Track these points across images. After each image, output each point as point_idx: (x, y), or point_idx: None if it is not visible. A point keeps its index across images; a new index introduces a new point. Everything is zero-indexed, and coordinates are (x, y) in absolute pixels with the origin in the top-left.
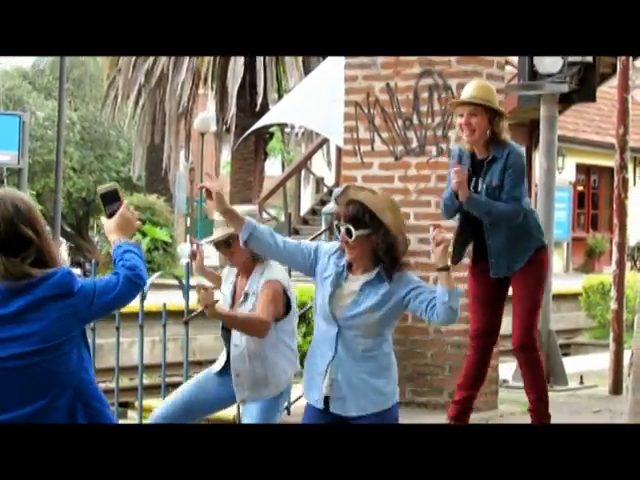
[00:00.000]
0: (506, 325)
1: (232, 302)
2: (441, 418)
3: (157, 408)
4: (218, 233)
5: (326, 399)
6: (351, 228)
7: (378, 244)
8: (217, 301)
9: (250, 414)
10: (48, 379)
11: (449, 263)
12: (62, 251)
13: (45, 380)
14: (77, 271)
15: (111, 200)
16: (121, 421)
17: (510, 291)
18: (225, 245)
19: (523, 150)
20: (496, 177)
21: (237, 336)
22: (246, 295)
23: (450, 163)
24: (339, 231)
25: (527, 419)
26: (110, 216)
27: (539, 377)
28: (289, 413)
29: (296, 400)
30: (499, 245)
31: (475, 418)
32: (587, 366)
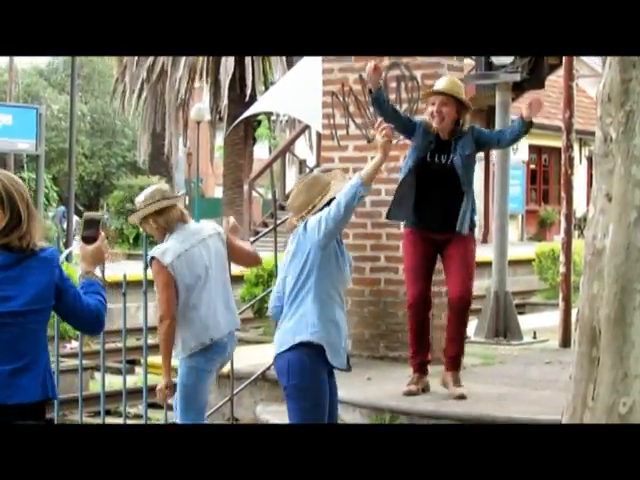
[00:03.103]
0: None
1: None
2: (410, 370)
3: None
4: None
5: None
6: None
7: None
8: None
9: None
10: (28, 341)
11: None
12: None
13: (26, 341)
14: None
15: (92, 226)
16: (128, 376)
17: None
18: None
19: None
20: (467, 147)
21: None
22: None
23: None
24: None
25: (488, 370)
26: (84, 239)
27: (464, 333)
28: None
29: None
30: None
31: (440, 370)
32: (540, 323)
